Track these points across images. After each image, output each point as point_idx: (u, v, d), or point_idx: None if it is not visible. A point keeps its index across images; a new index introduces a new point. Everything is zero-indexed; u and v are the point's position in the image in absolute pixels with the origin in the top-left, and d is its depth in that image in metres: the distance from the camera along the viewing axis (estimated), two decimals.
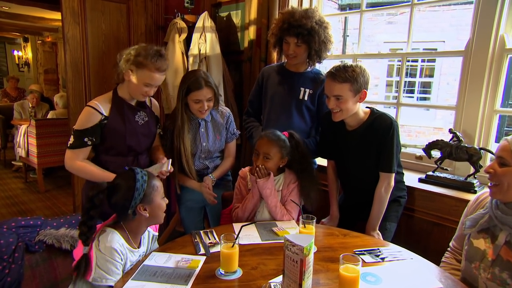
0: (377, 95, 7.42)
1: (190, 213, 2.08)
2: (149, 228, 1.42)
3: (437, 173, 1.95)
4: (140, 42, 2.59)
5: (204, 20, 2.58)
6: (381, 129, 1.64)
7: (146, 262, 1.26)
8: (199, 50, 2.57)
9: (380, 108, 1.82)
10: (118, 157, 1.74)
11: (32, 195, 4.32)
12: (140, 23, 2.94)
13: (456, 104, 1.97)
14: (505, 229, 1.18)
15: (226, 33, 2.85)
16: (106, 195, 1.25)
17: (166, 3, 3.05)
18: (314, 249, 1.20)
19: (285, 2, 2.40)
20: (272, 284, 1.12)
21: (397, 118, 2.19)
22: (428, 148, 1.94)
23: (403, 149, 2.17)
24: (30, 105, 5.15)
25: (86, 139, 1.64)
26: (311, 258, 1.04)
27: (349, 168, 1.82)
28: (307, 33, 1.84)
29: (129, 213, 1.25)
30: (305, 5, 2.50)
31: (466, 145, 1.81)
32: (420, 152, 2.15)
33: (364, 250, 1.37)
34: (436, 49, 6.86)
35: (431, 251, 1.71)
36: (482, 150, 1.78)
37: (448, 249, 1.48)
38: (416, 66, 7.47)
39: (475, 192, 1.78)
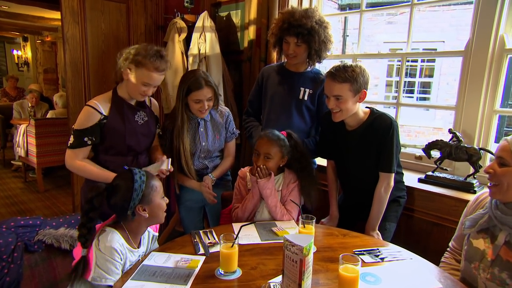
0: (377, 95, 7.42)
1: (189, 213, 2.08)
2: (149, 228, 1.42)
3: (436, 173, 1.95)
4: (140, 41, 2.59)
5: (204, 19, 2.58)
6: (381, 129, 1.64)
7: (146, 262, 1.26)
8: (199, 50, 2.57)
9: (380, 108, 1.82)
10: (118, 157, 1.74)
11: (31, 194, 4.31)
12: (140, 23, 2.94)
13: (456, 104, 1.97)
14: (505, 229, 1.18)
15: (226, 33, 2.84)
16: (105, 196, 1.25)
17: (166, 2, 3.05)
18: (313, 249, 1.21)
19: (285, 2, 2.40)
20: (271, 284, 1.12)
21: (396, 118, 2.19)
22: (428, 148, 1.94)
23: (402, 149, 2.17)
24: (30, 105, 5.14)
25: (85, 139, 1.64)
26: (310, 258, 1.04)
27: (349, 168, 1.82)
28: (307, 32, 1.84)
29: (128, 213, 1.25)
30: (305, 5, 2.50)
31: (466, 145, 1.81)
32: (419, 152, 2.15)
33: (364, 250, 1.37)
34: (436, 49, 6.86)
35: (431, 251, 1.71)
36: (481, 150, 1.78)
37: (448, 249, 1.48)
38: (416, 66, 7.47)
39: (474, 192, 1.78)
